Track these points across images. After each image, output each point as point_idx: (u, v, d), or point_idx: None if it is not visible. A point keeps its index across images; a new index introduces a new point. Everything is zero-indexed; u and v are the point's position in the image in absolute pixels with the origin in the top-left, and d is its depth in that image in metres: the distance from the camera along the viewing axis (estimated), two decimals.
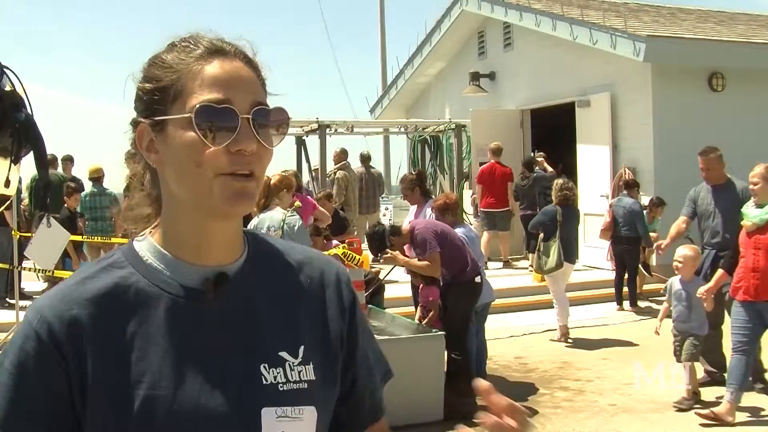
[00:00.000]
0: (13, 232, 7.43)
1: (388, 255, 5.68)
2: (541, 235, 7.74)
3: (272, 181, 5.98)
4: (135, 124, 1.07)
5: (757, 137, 10.77)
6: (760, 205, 5.20)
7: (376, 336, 4.89)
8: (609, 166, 10.99)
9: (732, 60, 10.69)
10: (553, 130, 13.62)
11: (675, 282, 5.65)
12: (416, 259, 5.62)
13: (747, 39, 11.37)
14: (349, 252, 4.96)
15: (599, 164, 11.16)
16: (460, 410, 5.26)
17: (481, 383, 1.03)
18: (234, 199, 1.01)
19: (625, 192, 9.31)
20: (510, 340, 7.66)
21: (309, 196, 8.66)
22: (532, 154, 11.74)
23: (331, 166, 12.23)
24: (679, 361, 5.55)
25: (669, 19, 13.05)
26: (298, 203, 6.77)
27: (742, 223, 5.29)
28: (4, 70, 2.27)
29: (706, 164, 6.21)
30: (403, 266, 5.74)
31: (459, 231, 6.03)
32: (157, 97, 1.04)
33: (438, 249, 5.42)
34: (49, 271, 6.33)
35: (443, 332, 5.30)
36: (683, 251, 5.66)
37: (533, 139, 13.45)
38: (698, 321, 5.48)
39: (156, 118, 1.04)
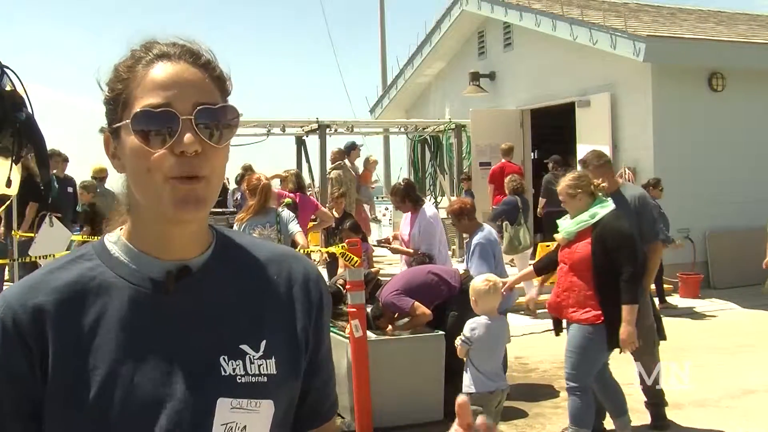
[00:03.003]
0: (13, 232, 7.44)
1: (388, 329, 5.62)
2: (506, 223, 8.73)
3: (264, 183, 6.09)
4: (102, 131, 1.12)
5: (757, 137, 10.79)
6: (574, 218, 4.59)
7: (375, 335, 4.85)
8: None
9: (732, 60, 10.70)
10: (553, 130, 13.63)
11: (478, 326, 4.39)
12: (406, 318, 5.58)
13: (747, 39, 11.38)
14: (347, 252, 4.95)
15: None
16: None
17: (459, 400, 1.00)
18: (180, 205, 1.03)
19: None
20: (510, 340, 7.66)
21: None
22: (558, 156, 11.87)
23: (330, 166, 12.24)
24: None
25: (669, 19, 13.06)
26: (287, 200, 6.82)
27: (555, 236, 4.87)
28: (5, 70, 2.27)
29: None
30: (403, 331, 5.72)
31: (480, 234, 5.97)
32: (111, 106, 1.08)
33: (410, 301, 5.40)
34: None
35: (443, 332, 5.30)
36: (476, 284, 4.45)
37: (533, 139, 13.46)
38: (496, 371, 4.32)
39: (113, 126, 1.08)
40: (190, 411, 1.03)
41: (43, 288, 1.05)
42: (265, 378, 1.08)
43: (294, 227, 6.02)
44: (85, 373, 1.01)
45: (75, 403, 1.01)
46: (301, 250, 5.68)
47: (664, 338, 5.08)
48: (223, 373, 1.06)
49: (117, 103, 1.07)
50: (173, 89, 1.04)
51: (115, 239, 1.12)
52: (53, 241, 5.53)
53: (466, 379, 4.28)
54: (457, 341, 4.35)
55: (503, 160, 11.65)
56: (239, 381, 1.06)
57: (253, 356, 1.08)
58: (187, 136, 1.01)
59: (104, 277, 1.07)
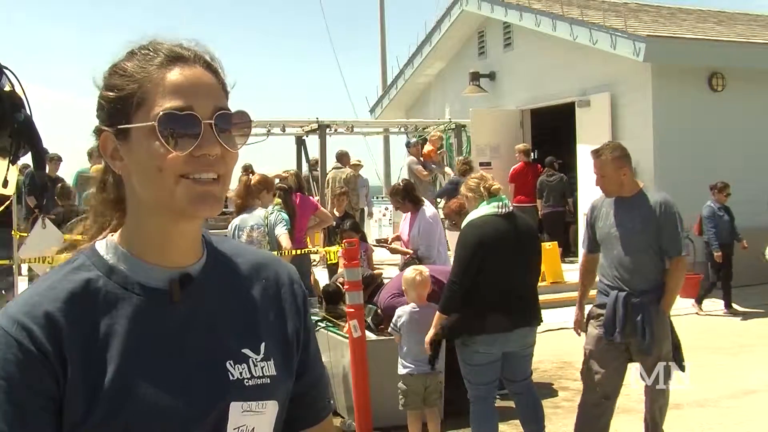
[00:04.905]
0: (13, 232, 7.43)
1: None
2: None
3: (252, 182, 6.05)
4: (98, 132, 1.10)
5: (757, 137, 10.79)
6: None
7: (375, 336, 4.87)
8: None
9: (732, 60, 10.69)
10: (553, 130, 13.63)
11: (403, 313, 4.73)
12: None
13: (747, 39, 11.37)
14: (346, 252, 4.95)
15: None
16: (461, 406, 5.27)
17: None
18: (197, 201, 1.04)
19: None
20: None
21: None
22: (553, 158, 12.11)
23: (330, 167, 12.29)
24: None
25: (669, 19, 13.05)
26: (278, 200, 6.82)
27: None
28: (4, 70, 2.27)
29: (599, 168, 4.36)
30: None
31: None
32: (119, 106, 1.06)
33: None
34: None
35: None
36: (406, 274, 4.86)
37: (533, 139, 13.47)
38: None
39: (120, 127, 1.06)
40: (205, 418, 1.04)
41: (48, 299, 1.03)
42: (268, 379, 1.10)
43: (279, 230, 5.93)
44: (98, 385, 1.00)
45: (89, 415, 0.99)
46: (286, 252, 5.65)
47: (682, 368, 4.41)
48: (231, 377, 1.08)
49: (128, 103, 1.05)
50: (194, 93, 1.04)
51: (108, 246, 1.10)
52: (44, 243, 5.49)
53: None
54: (389, 329, 4.79)
55: (522, 161, 11.90)
56: (247, 384, 1.08)
57: (256, 359, 1.10)
58: (211, 141, 1.03)
59: (107, 288, 1.06)
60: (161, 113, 1.02)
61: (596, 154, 4.35)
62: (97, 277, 1.07)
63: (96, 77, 1.10)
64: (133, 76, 1.05)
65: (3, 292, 8.67)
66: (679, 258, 4.21)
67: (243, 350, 1.10)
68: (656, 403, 4.46)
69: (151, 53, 1.07)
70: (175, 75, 1.05)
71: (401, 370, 4.66)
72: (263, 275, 1.20)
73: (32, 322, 1.00)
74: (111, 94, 1.07)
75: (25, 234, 6.62)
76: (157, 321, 1.06)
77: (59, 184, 9.21)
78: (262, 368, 1.10)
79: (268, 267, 1.21)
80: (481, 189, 4.40)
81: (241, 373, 1.08)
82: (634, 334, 4.17)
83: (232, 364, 1.08)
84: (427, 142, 12.72)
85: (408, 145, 13.04)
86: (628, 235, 4.20)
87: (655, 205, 4.18)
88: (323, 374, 1.28)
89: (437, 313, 4.36)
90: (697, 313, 9.14)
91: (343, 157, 12.15)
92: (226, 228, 6.55)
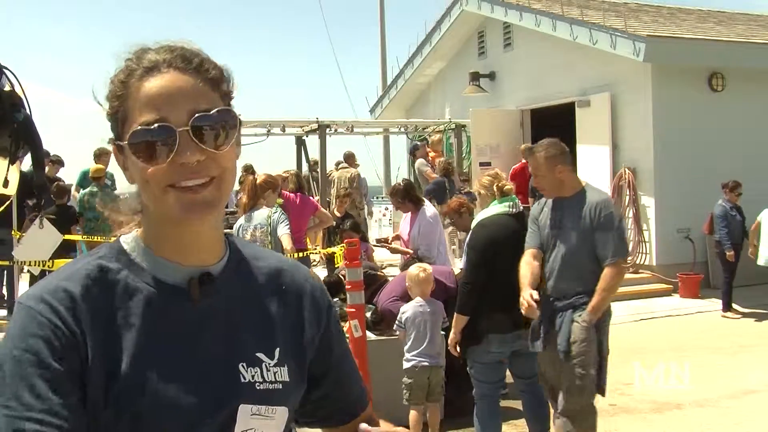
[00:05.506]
0: (13, 232, 7.44)
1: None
2: (434, 201, 9.09)
3: (257, 182, 6.11)
4: (111, 143, 1.12)
5: (757, 137, 10.79)
6: None
7: (375, 336, 4.86)
8: (609, 166, 11.00)
9: (732, 60, 10.69)
10: (553, 130, 13.62)
11: (407, 308, 4.86)
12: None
13: (747, 39, 11.37)
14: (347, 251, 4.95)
15: (599, 164, 11.16)
16: (461, 406, 5.27)
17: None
18: (187, 210, 1.03)
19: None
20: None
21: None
22: None
23: (330, 166, 12.33)
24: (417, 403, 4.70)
25: (669, 19, 13.05)
26: (280, 200, 6.84)
27: None
28: (4, 70, 2.27)
29: (533, 167, 4.17)
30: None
31: None
32: (113, 123, 1.09)
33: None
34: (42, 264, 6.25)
35: (443, 332, 5.29)
36: (410, 271, 4.99)
37: (533, 139, 13.46)
38: (438, 348, 4.74)
39: (117, 143, 1.08)
40: (214, 417, 1.04)
41: (70, 283, 1.03)
42: (280, 385, 1.11)
43: (281, 230, 5.97)
44: (112, 375, 1.00)
45: (99, 404, 0.99)
46: (287, 254, 5.66)
47: (602, 393, 4.01)
48: (242, 379, 1.08)
49: (116, 120, 1.07)
50: (166, 102, 1.03)
51: (132, 242, 1.12)
52: (40, 244, 5.44)
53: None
54: (394, 327, 4.86)
55: (522, 161, 11.90)
56: (258, 388, 1.08)
57: (269, 364, 1.11)
58: (189, 149, 1.01)
59: (128, 281, 1.06)
60: (133, 130, 1.03)
61: (530, 151, 4.14)
62: (117, 269, 1.07)
63: (95, 90, 1.10)
64: (116, 93, 1.07)
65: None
66: (611, 262, 3.83)
67: (257, 354, 1.10)
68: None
69: (134, 64, 1.07)
70: (149, 87, 1.04)
71: (406, 365, 4.70)
72: (284, 281, 1.20)
73: (58, 303, 1.00)
74: (108, 110, 1.09)
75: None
76: (174, 318, 1.06)
77: (55, 183, 9.26)
78: (275, 374, 1.10)
79: (289, 273, 1.22)
80: (494, 188, 4.44)
81: (253, 376, 1.08)
82: (555, 338, 3.95)
83: (245, 366, 1.08)
84: (429, 149, 12.73)
85: (412, 151, 13.04)
86: (563, 238, 3.96)
87: (590, 206, 3.90)
88: (351, 374, 1.29)
89: (455, 314, 4.37)
90: (724, 316, 9.02)
91: (349, 158, 12.22)
92: (226, 228, 6.55)
